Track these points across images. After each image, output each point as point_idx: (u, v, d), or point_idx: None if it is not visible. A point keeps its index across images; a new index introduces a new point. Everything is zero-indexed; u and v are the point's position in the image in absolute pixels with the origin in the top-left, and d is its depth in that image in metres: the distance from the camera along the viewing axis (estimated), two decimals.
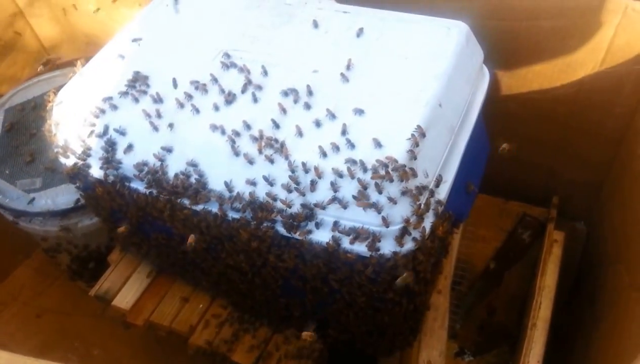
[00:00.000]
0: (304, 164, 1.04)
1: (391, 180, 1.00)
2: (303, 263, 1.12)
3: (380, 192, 1.00)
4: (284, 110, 1.12)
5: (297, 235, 1.07)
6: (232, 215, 1.11)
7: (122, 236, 1.46)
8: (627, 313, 1.24)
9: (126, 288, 1.55)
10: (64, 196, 1.60)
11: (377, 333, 1.30)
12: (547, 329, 1.41)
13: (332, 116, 1.09)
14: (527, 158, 1.70)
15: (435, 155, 1.09)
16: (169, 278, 1.55)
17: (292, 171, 1.05)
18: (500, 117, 1.60)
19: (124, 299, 1.53)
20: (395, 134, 1.05)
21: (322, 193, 1.04)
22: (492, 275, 1.77)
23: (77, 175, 1.28)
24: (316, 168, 1.03)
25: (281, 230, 1.08)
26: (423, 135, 1.04)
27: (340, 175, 1.02)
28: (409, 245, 1.03)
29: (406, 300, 1.17)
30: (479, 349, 1.74)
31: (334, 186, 1.02)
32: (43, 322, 2.01)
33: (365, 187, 1.01)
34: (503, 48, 1.47)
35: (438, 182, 1.08)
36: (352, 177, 1.01)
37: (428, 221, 1.05)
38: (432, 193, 1.06)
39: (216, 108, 1.16)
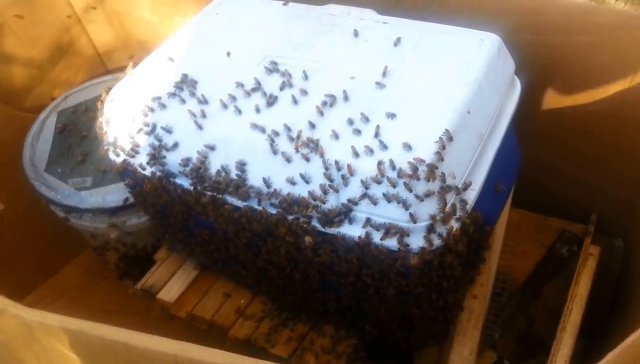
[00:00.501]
0: (337, 162, 1.16)
1: (418, 179, 1.11)
2: (337, 258, 1.24)
3: (408, 190, 1.12)
4: (321, 113, 1.25)
5: (331, 230, 1.19)
6: (271, 210, 1.24)
7: (169, 234, 1.62)
8: None
9: (171, 283, 1.70)
10: (114, 194, 1.76)
11: (408, 328, 1.41)
12: (576, 334, 1.50)
13: (366, 119, 1.22)
14: (565, 175, 1.80)
15: (463, 159, 1.20)
16: (213, 275, 1.69)
17: (326, 168, 1.17)
18: (536, 132, 1.71)
19: (169, 293, 1.67)
20: (424, 137, 1.16)
21: (354, 190, 1.16)
22: (531, 288, 1.86)
23: (126, 171, 1.43)
24: (349, 167, 1.15)
25: (316, 225, 1.21)
26: (450, 139, 1.16)
27: (371, 174, 1.14)
28: (436, 242, 1.14)
29: (435, 295, 1.28)
30: (517, 358, 1.82)
31: (365, 184, 1.14)
32: (88, 319, 2.16)
33: (394, 185, 1.13)
34: (538, 62, 1.57)
35: (466, 184, 1.19)
36: (382, 175, 1.13)
37: (455, 221, 1.16)
38: (458, 194, 1.17)
39: (257, 110, 1.29)
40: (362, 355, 1.53)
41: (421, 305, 1.30)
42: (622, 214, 1.80)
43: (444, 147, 1.15)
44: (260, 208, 1.25)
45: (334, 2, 1.55)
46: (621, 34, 1.45)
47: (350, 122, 1.22)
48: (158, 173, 1.36)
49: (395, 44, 1.38)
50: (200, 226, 1.46)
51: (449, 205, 1.14)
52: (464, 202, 1.18)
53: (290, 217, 1.22)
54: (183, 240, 1.60)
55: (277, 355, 1.52)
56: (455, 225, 1.16)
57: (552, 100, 1.65)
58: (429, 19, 1.44)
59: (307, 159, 1.19)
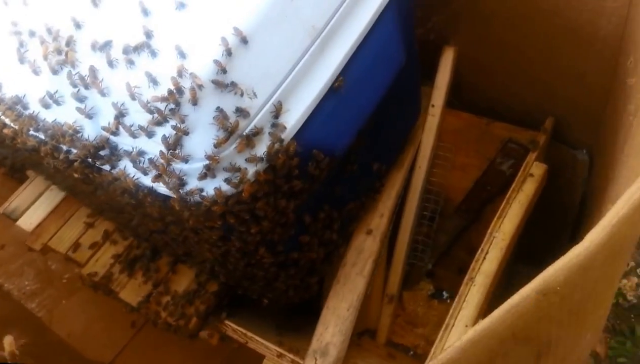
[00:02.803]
0: (82, 78, 0.79)
1: (177, 104, 0.73)
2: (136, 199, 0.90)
3: (164, 120, 0.74)
4: (94, 3, 0.86)
5: (103, 167, 0.84)
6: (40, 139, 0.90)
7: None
8: None
9: (34, 207, 1.41)
10: None
11: (258, 281, 1.07)
12: (489, 286, 1.11)
13: (145, 12, 0.82)
14: (518, 68, 1.34)
15: (273, 67, 0.81)
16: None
17: (74, 85, 0.80)
18: (474, 19, 1.27)
19: (29, 220, 1.39)
20: (211, 38, 0.77)
21: (110, 117, 0.79)
22: (469, 210, 1.46)
23: None
24: (96, 83, 0.78)
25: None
26: (244, 41, 0.76)
27: (126, 95, 0.77)
28: (224, 187, 0.78)
29: (264, 250, 0.93)
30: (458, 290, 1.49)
31: (119, 109, 0.77)
32: None
33: (151, 112, 0.75)
34: None
35: (278, 102, 0.80)
36: (133, 97, 0.76)
37: (252, 159, 0.78)
38: (275, 118, 0.79)
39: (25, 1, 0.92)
40: (224, 304, 1.21)
41: (248, 261, 0.95)
42: (586, 119, 1.34)
43: (229, 53, 0.75)
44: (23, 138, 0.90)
45: None
46: None
47: (126, 16, 0.83)
48: None
49: None
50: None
51: (235, 136, 0.76)
52: (272, 128, 0.79)
53: (64, 149, 0.87)
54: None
55: (125, 301, 1.22)
56: (251, 164, 0.78)
57: None
58: None
59: (55, 71, 0.82)
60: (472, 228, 1.49)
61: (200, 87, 0.74)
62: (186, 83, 0.74)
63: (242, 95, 0.77)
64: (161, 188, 0.79)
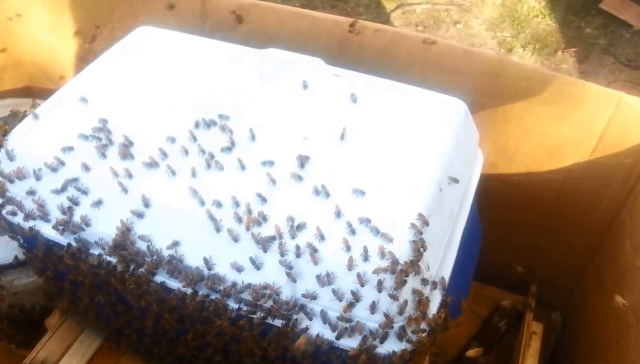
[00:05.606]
0: (298, 248, 0.97)
1: (393, 272, 0.94)
2: (284, 351, 1.05)
3: (380, 290, 0.94)
4: (273, 181, 1.05)
5: (284, 326, 1.00)
6: (211, 295, 1.03)
7: (69, 303, 1.35)
8: None
9: (67, 358, 1.42)
10: (2, 251, 1.47)
11: None
12: None
13: (326, 194, 1.03)
14: (508, 242, 1.68)
15: (436, 245, 1.04)
16: (118, 348, 1.43)
17: (282, 254, 0.97)
18: (483, 196, 1.59)
19: None
20: (395, 221, 0.99)
21: (313, 281, 0.97)
22: (465, 362, 1.73)
23: (15, 228, 1.17)
24: (312, 255, 0.96)
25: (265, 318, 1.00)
26: (426, 223, 1.00)
27: (338, 264, 0.96)
28: (404, 345, 0.97)
29: None
30: None
31: (329, 278, 0.95)
32: None
33: (364, 281, 0.95)
34: (492, 125, 1.45)
35: (439, 275, 1.03)
36: (351, 268, 0.95)
37: (426, 321, 0.99)
38: (434, 287, 1.01)
39: (194, 173, 1.08)
40: None
41: None
42: (563, 286, 1.70)
43: (420, 233, 0.98)
44: (199, 293, 1.03)
45: (274, 46, 1.35)
46: (585, 107, 1.35)
47: (309, 195, 1.04)
48: (71, 243, 1.10)
49: (351, 101, 1.20)
50: (113, 301, 1.21)
51: (424, 302, 0.97)
52: (438, 297, 1.01)
53: (234, 306, 1.01)
54: (85, 312, 1.34)
55: None
56: (426, 323, 0.99)
57: (504, 165, 1.53)
58: (377, 71, 1.29)
59: (258, 241, 0.99)
60: None
61: (406, 263, 0.95)
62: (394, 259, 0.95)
63: (424, 267, 0.99)
64: (349, 341, 0.97)
